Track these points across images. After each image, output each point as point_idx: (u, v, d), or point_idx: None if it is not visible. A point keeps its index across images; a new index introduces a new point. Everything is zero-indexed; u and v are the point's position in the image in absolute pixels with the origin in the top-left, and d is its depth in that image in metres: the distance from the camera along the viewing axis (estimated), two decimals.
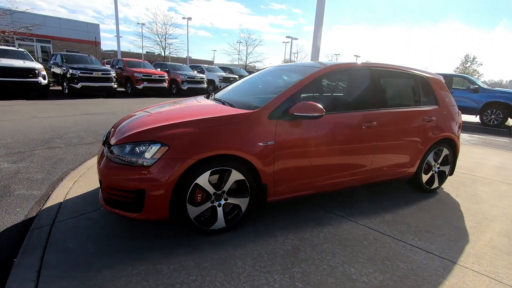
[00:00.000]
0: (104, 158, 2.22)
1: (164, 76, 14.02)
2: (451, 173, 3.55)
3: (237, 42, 41.07)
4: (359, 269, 1.98)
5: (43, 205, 2.71)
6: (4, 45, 16.64)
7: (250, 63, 39.93)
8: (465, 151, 5.91)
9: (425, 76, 3.29)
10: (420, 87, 3.21)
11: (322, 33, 6.89)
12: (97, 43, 27.72)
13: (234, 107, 2.54)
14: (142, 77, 13.27)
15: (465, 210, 3.04)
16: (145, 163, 2.02)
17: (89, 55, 13.56)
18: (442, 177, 3.47)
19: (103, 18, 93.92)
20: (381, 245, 2.29)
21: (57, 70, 12.12)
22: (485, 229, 2.66)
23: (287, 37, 35.31)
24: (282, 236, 2.33)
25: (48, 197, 2.87)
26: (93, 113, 7.93)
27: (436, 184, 3.42)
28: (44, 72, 10.31)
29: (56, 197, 2.84)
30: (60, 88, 12.39)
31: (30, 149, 4.34)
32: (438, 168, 3.41)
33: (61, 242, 2.13)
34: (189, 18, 33.93)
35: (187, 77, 14.93)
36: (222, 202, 2.24)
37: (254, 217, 2.58)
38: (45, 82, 10.26)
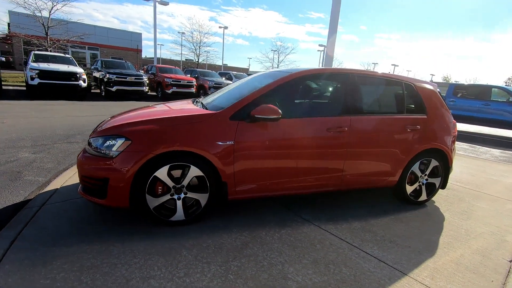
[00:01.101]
0: (83, 149, 2.50)
1: (192, 82, 14.72)
2: (442, 186, 3.36)
3: (272, 50, 41.46)
4: (298, 269, 2.01)
5: (42, 189, 3.09)
6: (59, 52, 18.68)
7: None
8: (484, 166, 5.47)
9: (413, 84, 3.18)
10: (404, 95, 3.12)
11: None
12: (138, 51, 29.90)
13: (207, 109, 2.71)
14: (172, 82, 14.07)
15: (448, 225, 2.87)
16: (111, 155, 2.25)
17: (126, 61, 14.73)
18: (432, 189, 3.30)
19: (150, 27, 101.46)
20: (334, 250, 2.28)
21: (97, 74, 13.32)
22: (460, 246, 2.51)
23: (320, 45, 35.02)
24: (238, 233, 2.42)
25: (49, 183, 3.25)
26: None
27: (423, 197, 3.26)
28: (84, 76, 11.42)
29: (55, 184, 3.21)
30: (99, 91, 13.59)
31: (52, 143, 4.89)
32: (426, 180, 3.25)
33: (42, 221, 2.43)
34: (225, 27, 35.15)
35: (214, 83, 15.50)
36: (182, 196, 2.40)
37: (219, 214, 2.70)
38: (84, 85, 11.34)
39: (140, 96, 13.26)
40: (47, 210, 2.63)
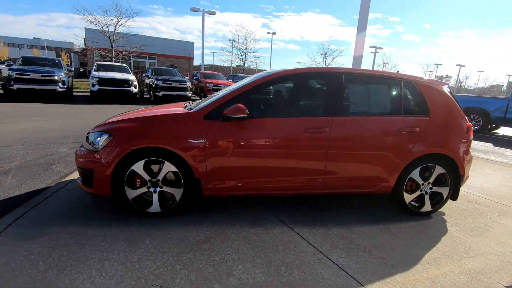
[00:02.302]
0: (81, 145, 2.85)
1: None
2: (453, 197, 2.98)
3: (319, 54, 40.68)
4: (247, 268, 2.00)
5: (62, 179, 3.57)
6: (123, 62, 21.02)
7: None
8: None
9: (415, 82, 2.90)
10: (402, 94, 2.86)
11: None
12: (190, 59, 32.05)
13: (191, 110, 2.86)
14: (213, 87, 14.80)
15: (446, 240, 2.55)
16: (98, 149, 2.53)
17: (173, 69, 15.91)
18: (438, 200, 2.95)
19: (206, 36, 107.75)
20: (295, 253, 2.21)
21: (148, 81, 14.65)
22: (448, 263, 2.21)
23: (371, 46, 32.98)
24: (206, 228, 2.50)
25: (70, 174, 3.74)
26: None
27: (427, 207, 2.93)
28: (135, 83, 12.69)
29: (74, 175, 3.68)
30: (149, 96, 14.94)
31: None
32: (431, 188, 2.92)
33: (48, 204, 2.82)
34: (274, 33, 35.58)
35: None
36: (158, 189, 2.58)
37: (199, 209, 2.82)
38: (135, 90, 12.60)
39: (184, 101, 14.19)
40: (58, 195, 3.04)
